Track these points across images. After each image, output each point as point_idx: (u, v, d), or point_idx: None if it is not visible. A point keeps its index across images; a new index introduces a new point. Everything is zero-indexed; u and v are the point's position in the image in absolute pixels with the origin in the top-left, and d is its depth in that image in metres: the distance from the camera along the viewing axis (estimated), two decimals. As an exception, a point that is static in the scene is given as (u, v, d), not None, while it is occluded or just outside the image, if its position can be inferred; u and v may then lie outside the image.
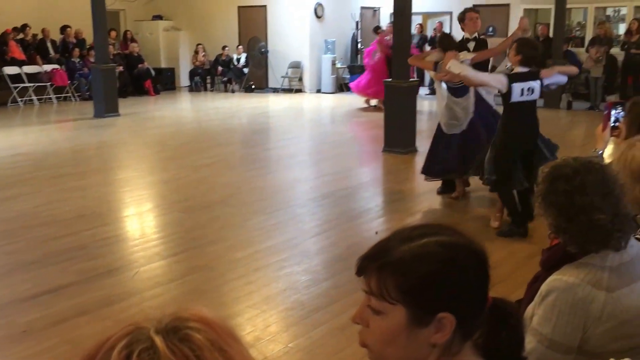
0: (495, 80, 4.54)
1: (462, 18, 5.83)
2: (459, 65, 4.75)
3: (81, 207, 5.63)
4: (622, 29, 13.25)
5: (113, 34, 14.24)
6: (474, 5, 14.96)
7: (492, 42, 5.89)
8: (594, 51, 11.79)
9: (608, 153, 2.71)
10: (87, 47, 13.78)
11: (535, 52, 4.60)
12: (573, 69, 5.28)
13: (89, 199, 5.93)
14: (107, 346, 0.67)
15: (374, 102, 12.46)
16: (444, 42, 5.60)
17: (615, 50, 12.10)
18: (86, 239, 4.79)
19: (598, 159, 1.72)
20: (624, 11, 13.61)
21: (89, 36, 12.66)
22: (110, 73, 11.25)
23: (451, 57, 5.00)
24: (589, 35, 13.20)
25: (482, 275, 1.07)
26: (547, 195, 1.65)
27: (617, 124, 2.73)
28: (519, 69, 4.50)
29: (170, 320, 0.69)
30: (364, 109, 12.38)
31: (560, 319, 1.56)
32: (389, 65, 11.23)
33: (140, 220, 5.45)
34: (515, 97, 4.45)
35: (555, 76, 4.71)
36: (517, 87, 4.42)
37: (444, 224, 1.13)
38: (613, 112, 2.76)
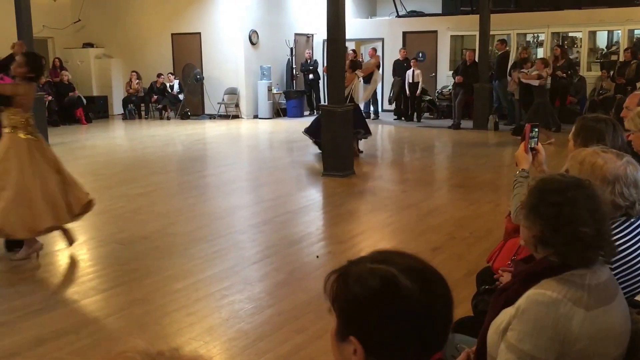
0: None
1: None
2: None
3: (9, 243, 5.37)
4: (540, 53, 14.03)
5: (41, 62, 13.82)
6: (404, 32, 15.72)
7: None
8: (516, 75, 12.38)
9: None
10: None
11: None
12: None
13: (18, 234, 5.66)
14: None
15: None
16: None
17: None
18: (15, 276, 4.57)
19: (585, 178, 1.77)
20: (542, 37, 14.45)
21: (14, 64, 12.22)
22: (39, 102, 10.87)
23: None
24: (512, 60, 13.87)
25: (420, 317, 1.07)
26: (535, 206, 1.68)
27: (534, 145, 2.74)
28: None
29: None
30: None
31: (542, 335, 1.56)
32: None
33: (73, 254, 5.25)
34: None
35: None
36: None
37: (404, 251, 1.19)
38: (532, 133, 2.77)
